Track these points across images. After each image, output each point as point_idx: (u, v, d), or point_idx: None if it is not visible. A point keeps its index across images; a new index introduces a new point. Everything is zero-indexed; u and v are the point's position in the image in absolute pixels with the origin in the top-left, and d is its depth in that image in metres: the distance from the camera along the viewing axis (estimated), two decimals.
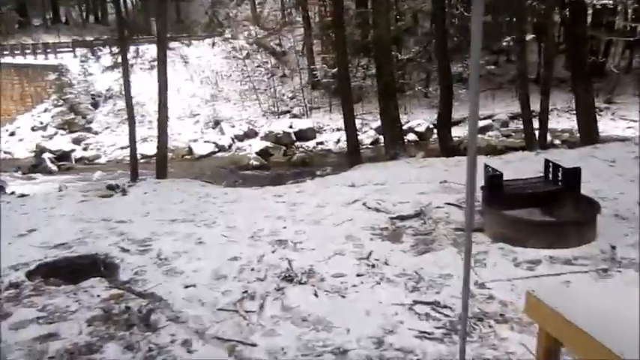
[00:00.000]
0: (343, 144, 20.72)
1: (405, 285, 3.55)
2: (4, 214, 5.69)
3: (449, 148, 10.75)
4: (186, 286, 3.64)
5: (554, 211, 4.44)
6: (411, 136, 20.10)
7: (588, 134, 10.62)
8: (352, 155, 10.57)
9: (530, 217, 4.29)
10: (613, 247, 4.02)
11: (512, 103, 23.71)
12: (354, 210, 5.27)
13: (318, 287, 3.52)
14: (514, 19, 25.44)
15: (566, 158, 7.12)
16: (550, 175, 4.58)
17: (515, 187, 4.56)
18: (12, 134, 23.80)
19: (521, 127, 22.29)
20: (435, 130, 21.41)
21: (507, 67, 25.27)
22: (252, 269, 3.89)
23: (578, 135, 12.33)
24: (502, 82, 24.93)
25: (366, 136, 20.64)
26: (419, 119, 21.91)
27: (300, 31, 28.90)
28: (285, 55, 29.57)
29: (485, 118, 22.29)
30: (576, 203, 4.33)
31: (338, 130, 22.28)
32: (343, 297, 3.39)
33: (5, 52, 27.03)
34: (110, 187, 7.55)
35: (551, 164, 4.56)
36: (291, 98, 26.50)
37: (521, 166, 7.00)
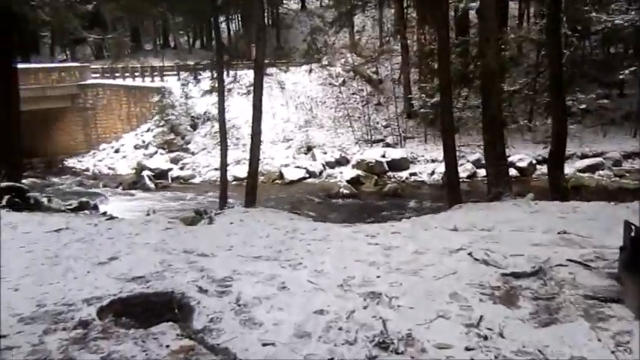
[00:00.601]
0: (437, 176, 19.89)
1: None
2: (90, 237, 5.58)
3: (561, 190, 9.71)
4: (265, 344, 3.17)
5: None
6: (512, 172, 18.83)
7: None
8: (451, 191, 9.82)
9: None
10: None
11: (626, 141, 21.78)
12: (457, 260, 4.60)
13: None
14: (630, 51, 23.57)
15: None
16: None
17: None
18: (117, 151, 25.14)
19: (637, 166, 20.43)
20: (538, 167, 20.14)
21: (620, 101, 23.30)
22: (341, 328, 3.35)
23: None
24: (614, 118, 22.96)
25: (463, 169, 19.61)
26: (521, 154, 20.58)
27: (397, 59, 28.49)
28: (382, 83, 29.24)
29: (594, 156, 20.56)
30: None
31: (432, 161, 21.48)
32: None
33: (117, 75, 28.83)
34: (198, 213, 7.37)
35: None
36: (385, 127, 26.01)
37: None
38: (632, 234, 3.64)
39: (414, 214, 13.17)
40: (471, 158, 20.41)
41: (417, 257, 4.71)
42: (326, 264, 4.57)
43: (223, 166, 11.29)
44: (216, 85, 15.64)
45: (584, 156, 20.18)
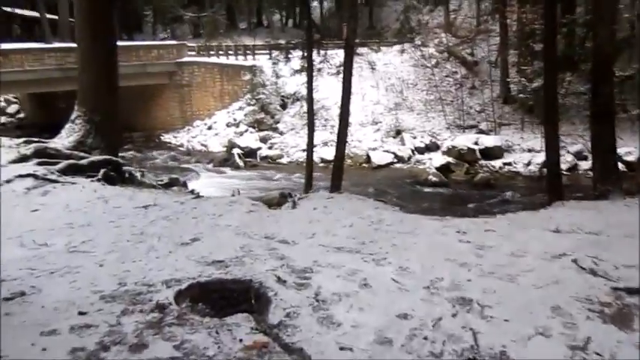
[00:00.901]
0: (534, 167, 18.73)
1: None
2: (176, 215, 5.61)
3: None
4: (342, 348, 2.94)
5: None
6: (619, 166, 17.34)
7: None
8: (552, 185, 9.07)
9: None
10: None
11: None
12: (561, 268, 4.13)
13: None
14: None
15: None
16: None
17: None
18: (209, 128, 25.88)
19: None
20: None
21: None
22: (426, 337, 3.05)
23: None
24: None
25: (562, 161, 18.25)
26: (629, 146, 18.89)
27: (495, 40, 27.02)
28: (477, 66, 27.89)
29: None
30: None
31: (529, 150, 20.26)
32: None
33: (211, 53, 29.58)
34: (282, 195, 7.27)
35: None
36: (479, 112, 24.81)
37: None
38: None
39: (509, 209, 12.46)
40: (572, 149, 19.00)
41: (514, 261, 4.29)
42: (412, 261, 4.26)
43: (310, 148, 11.16)
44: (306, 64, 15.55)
45: None
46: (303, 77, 18.37)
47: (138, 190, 7.09)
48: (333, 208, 6.18)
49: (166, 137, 26.93)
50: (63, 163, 7.17)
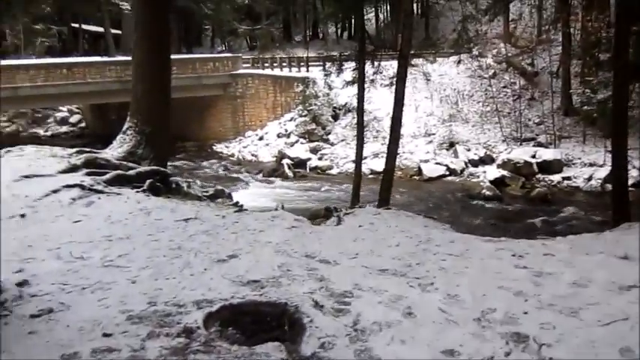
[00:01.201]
0: (595, 182, 17.73)
1: None
2: (216, 229, 5.47)
3: None
4: None
5: None
6: None
7: None
8: (618, 204, 8.42)
9: None
10: None
11: None
12: (630, 302, 3.68)
13: None
14: None
15: None
16: None
17: None
18: (261, 139, 26.03)
19: None
20: None
21: None
22: None
23: None
24: None
25: (628, 176, 17.25)
26: None
27: (556, 50, 25.95)
28: (537, 76, 26.86)
29: None
30: None
31: (591, 165, 19.23)
32: None
33: (265, 65, 29.85)
34: (328, 210, 7.03)
35: None
36: (538, 124, 23.82)
37: None
38: None
39: (568, 227, 11.78)
40: (637, 164, 17.89)
41: (577, 291, 3.87)
42: (462, 287, 3.92)
43: (359, 160, 10.91)
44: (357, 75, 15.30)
45: None
46: (355, 89, 18.23)
47: (182, 201, 7.02)
48: (380, 225, 5.89)
49: (218, 147, 27.28)
50: (110, 174, 7.20)
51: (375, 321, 3.34)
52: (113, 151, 8.81)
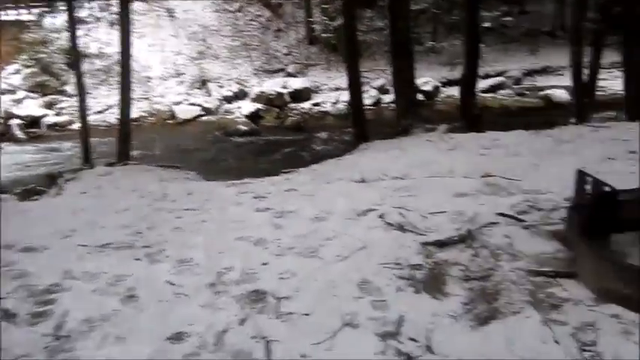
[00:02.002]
0: (342, 105, 18.92)
1: None
2: None
3: (474, 118, 8.99)
4: None
5: None
6: (419, 96, 18.24)
7: (636, 99, 8.80)
8: (357, 123, 8.79)
9: None
10: None
11: (525, 59, 21.88)
12: (367, 227, 3.62)
13: None
14: None
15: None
16: None
17: (630, 206, 2.88)
18: None
19: (537, 84, 20.57)
20: (443, 89, 19.71)
21: (521, 19, 23.19)
22: None
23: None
24: (514, 36, 22.85)
25: (367, 96, 18.69)
26: (426, 77, 19.99)
27: None
28: (281, 8, 27.23)
29: (497, 75, 20.42)
30: None
31: (336, 89, 20.40)
32: None
33: None
34: (52, 177, 5.87)
35: None
36: (286, 55, 24.35)
37: (585, 149, 5.33)
38: (599, 192, 2.76)
39: (320, 151, 12.24)
40: (375, 84, 19.56)
41: (317, 227, 3.68)
42: (196, 249, 3.43)
43: (82, 112, 9.53)
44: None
45: (487, 76, 19.93)
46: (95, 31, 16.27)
47: None
48: (108, 188, 5.05)
49: None
50: None
51: (84, 318, 2.67)
52: None
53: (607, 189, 2.66)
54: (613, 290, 2.57)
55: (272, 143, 13.72)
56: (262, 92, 19.27)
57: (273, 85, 19.83)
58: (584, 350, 2.32)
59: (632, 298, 2.49)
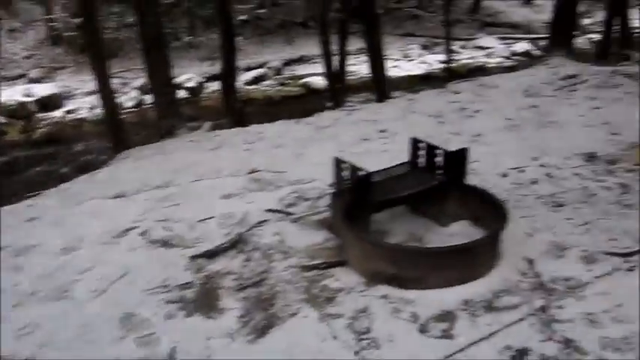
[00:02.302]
0: (99, 110, 17.47)
1: None
2: None
3: (237, 111, 8.90)
4: None
5: (440, 217, 3.02)
6: (183, 93, 17.72)
7: (380, 81, 9.71)
8: (114, 130, 8.00)
9: (425, 246, 2.80)
10: (530, 262, 2.77)
11: (283, 49, 22.84)
12: (127, 250, 3.20)
13: None
14: None
15: (386, 118, 5.90)
16: (423, 160, 3.12)
17: (383, 186, 2.98)
18: None
19: (297, 73, 21.65)
20: (207, 84, 19.49)
21: (275, 10, 24.10)
22: None
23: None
24: (270, 28, 23.69)
25: (128, 98, 17.59)
26: (188, 73, 19.54)
27: None
28: (13, 5, 23.95)
29: (258, 67, 20.91)
30: (471, 200, 2.97)
31: (92, 93, 18.73)
32: None
33: None
34: None
35: (425, 145, 3.09)
36: (27, 58, 21.62)
37: (342, 133, 5.58)
38: (356, 176, 2.76)
39: (77, 165, 10.97)
40: (135, 84, 18.44)
41: (66, 260, 3.12)
42: None
43: None
44: None
45: (249, 68, 20.28)
46: None
47: None
48: None
49: None
50: None
51: None
52: None
53: (361, 173, 2.69)
54: (378, 271, 2.62)
55: (17, 162, 11.92)
56: (1, 103, 16.72)
57: (13, 93, 17.31)
58: (361, 340, 2.30)
59: (396, 276, 2.57)
